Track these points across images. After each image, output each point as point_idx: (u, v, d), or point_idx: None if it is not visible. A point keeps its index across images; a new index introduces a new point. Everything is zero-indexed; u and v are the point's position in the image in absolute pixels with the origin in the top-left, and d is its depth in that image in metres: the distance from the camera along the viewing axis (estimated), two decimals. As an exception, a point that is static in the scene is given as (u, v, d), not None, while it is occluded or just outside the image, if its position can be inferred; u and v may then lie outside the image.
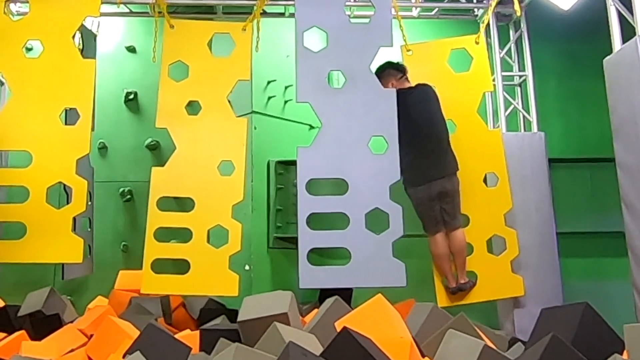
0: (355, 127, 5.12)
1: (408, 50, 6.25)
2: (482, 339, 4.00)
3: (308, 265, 4.87)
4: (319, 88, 5.17)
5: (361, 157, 5.07)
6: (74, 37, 5.69)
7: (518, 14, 6.75)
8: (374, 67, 5.42)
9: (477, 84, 6.31)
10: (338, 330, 3.69)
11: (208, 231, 5.47)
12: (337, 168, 5.07)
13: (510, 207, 6.10)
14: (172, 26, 5.88)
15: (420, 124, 5.69)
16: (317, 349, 3.70)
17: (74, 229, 5.42)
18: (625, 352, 3.44)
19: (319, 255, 5.44)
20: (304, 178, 5.02)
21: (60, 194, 5.98)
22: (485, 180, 6.18)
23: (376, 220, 5.04)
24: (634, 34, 4.71)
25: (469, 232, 5.96)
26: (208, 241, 5.45)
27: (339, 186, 5.06)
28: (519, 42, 7.21)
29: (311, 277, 4.88)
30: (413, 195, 5.78)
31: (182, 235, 5.53)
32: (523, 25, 7.13)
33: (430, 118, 5.78)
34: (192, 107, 5.79)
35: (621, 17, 4.99)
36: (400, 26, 6.12)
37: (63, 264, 6.15)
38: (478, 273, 5.98)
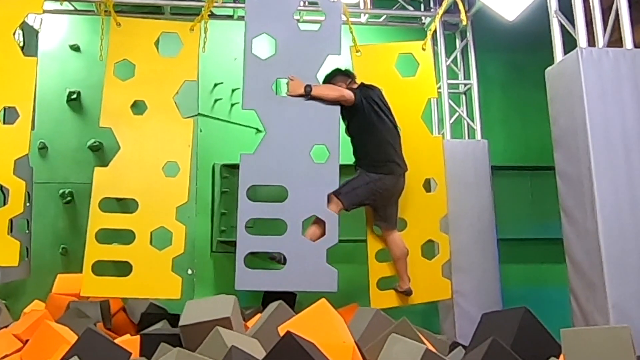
0: (299, 136, 5.21)
1: (357, 51, 6.28)
2: (423, 343, 4.04)
3: (244, 268, 5.01)
4: (265, 96, 5.24)
5: (302, 166, 5.18)
6: (14, 33, 5.52)
7: (464, 22, 6.88)
8: (321, 75, 5.44)
9: (423, 90, 6.37)
10: (281, 334, 3.67)
11: (151, 233, 5.39)
12: (278, 175, 5.17)
13: (446, 213, 6.16)
14: (118, 24, 5.79)
15: (384, 117, 5.65)
16: (260, 353, 3.68)
17: (10, 231, 5.29)
18: (562, 355, 3.51)
19: (262, 260, 5.43)
20: (245, 184, 5.13)
21: (-3, 195, 5.80)
22: (424, 185, 6.20)
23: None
24: (576, 45, 4.82)
25: (406, 236, 5.94)
26: (151, 243, 5.37)
27: (282, 193, 5.13)
28: (464, 51, 7.34)
29: (246, 279, 5.03)
30: (378, 181, 5.51)
31: (124, 238, 5.44)
32: (469, 35, 7.26)
33: (391, 115, 5.77)
34: (138, 107, 5.72)
35: (563, 29, 5.11)
36: (350, 29, 6.16)
37: (-2, 267, 5.96)
38: (411, 277, 5.91)
